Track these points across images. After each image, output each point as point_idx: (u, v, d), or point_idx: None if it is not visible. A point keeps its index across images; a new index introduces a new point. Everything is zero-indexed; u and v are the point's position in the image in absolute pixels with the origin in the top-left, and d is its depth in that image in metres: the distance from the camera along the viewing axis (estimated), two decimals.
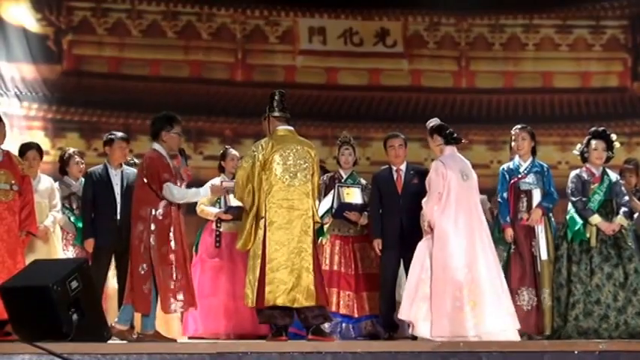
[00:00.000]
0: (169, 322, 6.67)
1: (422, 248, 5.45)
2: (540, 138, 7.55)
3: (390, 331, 6.01)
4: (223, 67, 8.99)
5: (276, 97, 5.49)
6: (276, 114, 5.45)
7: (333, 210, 6.35)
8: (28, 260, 5.45)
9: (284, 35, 9.08)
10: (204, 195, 5.49)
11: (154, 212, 5.27)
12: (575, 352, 4.56)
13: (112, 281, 6.31)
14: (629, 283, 5.74)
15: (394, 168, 6.18)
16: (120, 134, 6.32)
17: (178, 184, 5.42)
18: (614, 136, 6.08)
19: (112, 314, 6.04)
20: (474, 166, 6.94)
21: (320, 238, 6.47)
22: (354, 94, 9.05)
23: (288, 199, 5.31)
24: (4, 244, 5.34)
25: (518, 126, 6.15)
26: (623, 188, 6.05)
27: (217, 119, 8.84)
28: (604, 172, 6.01)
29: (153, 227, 5.25)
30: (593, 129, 6.12)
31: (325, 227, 6.45)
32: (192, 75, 8.91)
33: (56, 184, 6.37)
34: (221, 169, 6.71)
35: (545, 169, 6.09)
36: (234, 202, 6.40)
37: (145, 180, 5.29)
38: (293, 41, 9.09)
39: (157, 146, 5.40)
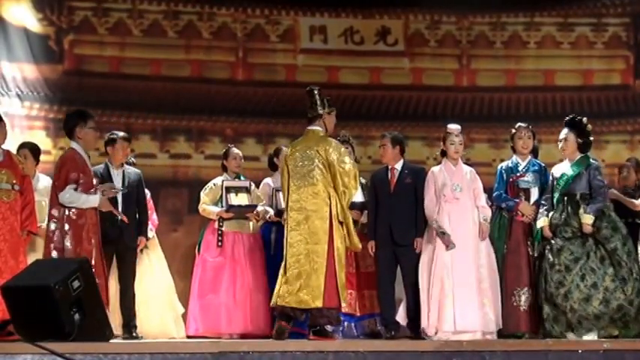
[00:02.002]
0: (172, 322, 6.68)
1: (476, 245, 5.70)
2: (542, 136, 7.55)
3: (392, 329, 6.00)
4: (224, 66, 8.97)
5: (308, 97, 5.58)
6: (308, 115, 5.58)
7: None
8: (30, 260, 5.45)
9: (285, 34, 9.07)
10: (93, 203, 5.38)
11: (67, 212, 5.28)
12: (580, 351, 4.56)
13: (113, 281, 6.31)
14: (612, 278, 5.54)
15: (389, 167, 6.17)
16: (122, 134, 6.31)
17: (95, 182, 5.46)
18: (584, 120, 5.80)
19: (114, 314, 6.04)
20: (476, 165, 6.95)
21: None
22: (355, 93, 9.03)
23: (299, 200, 5.39)
24: (7, 244, 5.33)
25: (522, 125, 6.13)
26: (597, 179, 5.66)
27: (218, 118, 8.83)
28: (574, 165, 5.73)
29: (67, 227, 5.27)
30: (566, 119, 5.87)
31: None
32: (193, 74, 8.90)
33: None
34: (223, 169, 6.71)
35: (543, 167, 6.09)
36: (235, 200, 6.42)
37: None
38: (294, 40, 9.08)
39: (73, 144, 5.43)
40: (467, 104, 8.98)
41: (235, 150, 6.73)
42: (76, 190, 5.31)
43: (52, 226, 5.32)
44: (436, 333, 5.68)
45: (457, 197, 5.84)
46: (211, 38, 8.95)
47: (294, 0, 9.03)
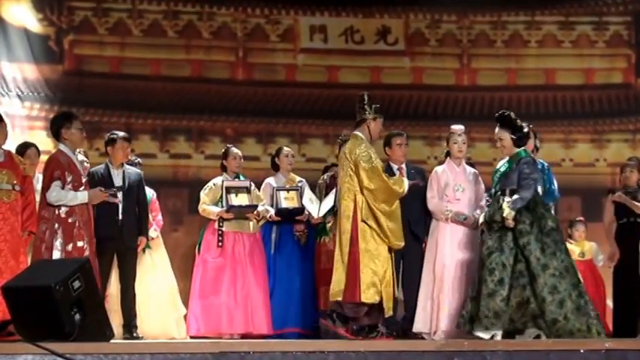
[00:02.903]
0: (174, 322, 6.66)
1: (475, 246, 5.69)
2: (544, 135, 7.53)
3: (393, 329, 6.00)
4: (224, 66, 8.98)
5: (357, 102, 5.68)
6: (356, 119, 5.69)
7: (336, 209, 6.35)
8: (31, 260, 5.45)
9: (285, 34, 9.07)
10: (82, 200, 5.43)
11: (57, 212, 5.34)
12: (581, 350, 4.54)
13: (114, 281, 6.30)
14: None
15: (395, 166, 6.17)
16: (122, 134, 6.30)
17: (83, 180, 5.49)
18: (512, 115, 5.59)
19: (114, 314, 6.03)
20: (477, 164, 6.94)
21: (323, 237, 6.48)
22: (355, 93, 8.97)
23: (337, 201, 5.65)
24: (7, 245, 5.32)
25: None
26: (523, 172, 5.39)
27: (218, 118, 8.83)
28: (508, 161, 5.55)
29: (57, 226, 5.33)
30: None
31: (328, 226, 6.45)
32: (193, 74, 8.90)
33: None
34: (223, 168, 6.69)
35: (546, 167, 6.08)
36: (235, 201, 6.40)
37: None
38: (294, 40, 9.08)
39: (61, 146, 5.53)
40: (468, 103, 8.98)
41: (235, 150, 6.71)
42: (62, 188, 5.37)
43: (43, 227, 5.37)
44: (435, 332, 5.69)
45: (458, 198, 5.87)
46: (211, 38, 8.95)
47: None
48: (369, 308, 5.47)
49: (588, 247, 7.63)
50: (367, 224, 5.46)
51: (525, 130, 5.52)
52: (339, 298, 5.46)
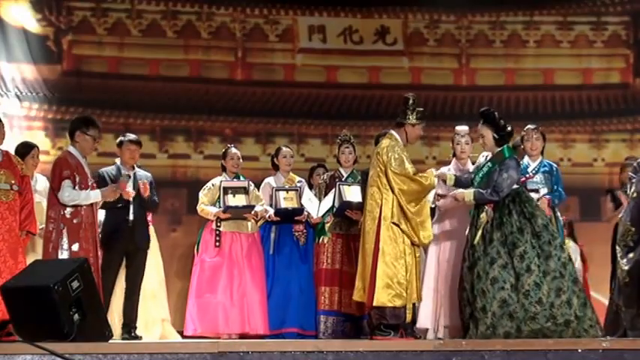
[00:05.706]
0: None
1: None
2: None
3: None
4: (223, 66, 8.98)
5: (402, 103, 5.62)
6: (397, 120, 5.63)
7: (335, 209, 6.36)
8: (29, 260, 5.46)
9: (284, 34, 9.07)
10: (95, 198, 5.50)
11: (62, 212, 5.41)
12: (579, 350, 4.55)
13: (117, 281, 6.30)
14: (520, 284, 5.14)
15: None
16: (130, 137, 6.30)
17: (90, 183, 5.51)
18: (496, 113, 5.49)
19: (118, 313, 6.04)
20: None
21: (322, 237, 6.49)
22: (354, 92, 9.04)
23: (365, 200, 5.58)
24: (5, 244, 5.33)
25: (530, 127, 6.10)
26: (501, 176, 5.28)
27: (217, 118, 8.83)
28: (490, 161, 5.46)
29: (62, 226, 5.40)
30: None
31: (327, 226, 6.46)
32: (192, 74, 8.90)
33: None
34: (223, 169, 6.70)
35: (554, 168, 6.06)
36: (232, 201, 6.40)
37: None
38: (292, 39, 9.08)
39: (70, 148, 5.62)
40: (466, 103, 8.98)
41: (234, 150, 6.70)
42: (73, 188, 5.43)
43: (50, 227, 5.44)
44: (438, 328, 5.70)
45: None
46: (210, 38, 8.95)
47: None
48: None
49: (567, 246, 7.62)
50: (399, 227, 5.35)
51: (509, 129, 5.43)
52: (359, 299, 5.47)
